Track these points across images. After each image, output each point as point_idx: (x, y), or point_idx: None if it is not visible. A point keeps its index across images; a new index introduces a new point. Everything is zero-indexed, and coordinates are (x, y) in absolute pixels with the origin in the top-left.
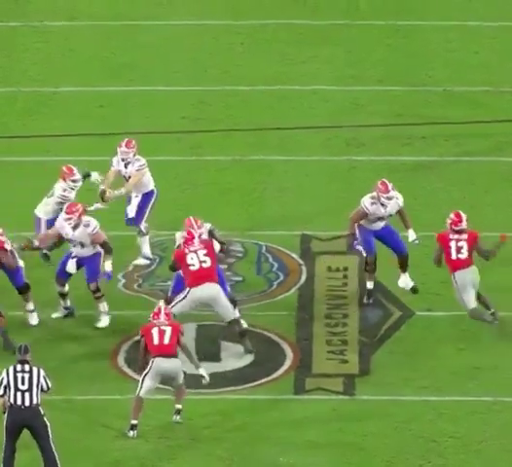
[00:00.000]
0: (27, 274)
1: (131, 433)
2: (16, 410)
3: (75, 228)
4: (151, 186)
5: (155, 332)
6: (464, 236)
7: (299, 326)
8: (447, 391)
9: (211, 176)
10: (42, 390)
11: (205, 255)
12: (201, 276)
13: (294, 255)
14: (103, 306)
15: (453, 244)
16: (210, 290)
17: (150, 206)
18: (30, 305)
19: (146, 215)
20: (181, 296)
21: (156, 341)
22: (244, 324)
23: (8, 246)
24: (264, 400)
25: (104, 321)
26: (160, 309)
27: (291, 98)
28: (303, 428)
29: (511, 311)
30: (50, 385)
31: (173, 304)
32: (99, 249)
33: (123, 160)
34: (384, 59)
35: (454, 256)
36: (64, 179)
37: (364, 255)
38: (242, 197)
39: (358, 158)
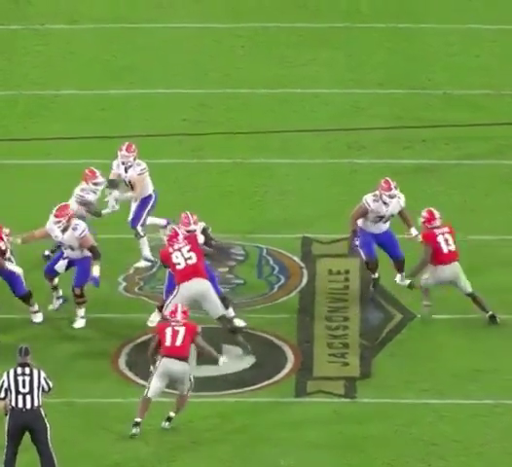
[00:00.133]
0: (26, 276)
1: (134, 430)
2: (17, 412)
3: (64, 231)
4: (149, 190)
5: (168, 332)
6: (446, 229)
7: (300, 329)
8: (448, 394)
9: (212, 179)
10: (43, 391)
11: (189, 251)
12: (189, 273)
13: (295, 258)
14: (81, 312)
15: (441, 239)
16: (199, 285)
17: (147, 210)
18: (34, 308)
19: (143, 218)
20: (172, 295)
21: (168, 341)
22: (241, 322)
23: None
24: (265, 402)
25: (80, 323)
26: (176, 308)
27: (292, 101)
28: (304, 431)
29: (510, 314)
30: (51, 386)
31: (165, 306)
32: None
33: (123, 163)
34: (385, 62)
35: (445, 250)
36: (86, 181)
37: (364, 259)
38: (243, 200)
39: (359, 161)
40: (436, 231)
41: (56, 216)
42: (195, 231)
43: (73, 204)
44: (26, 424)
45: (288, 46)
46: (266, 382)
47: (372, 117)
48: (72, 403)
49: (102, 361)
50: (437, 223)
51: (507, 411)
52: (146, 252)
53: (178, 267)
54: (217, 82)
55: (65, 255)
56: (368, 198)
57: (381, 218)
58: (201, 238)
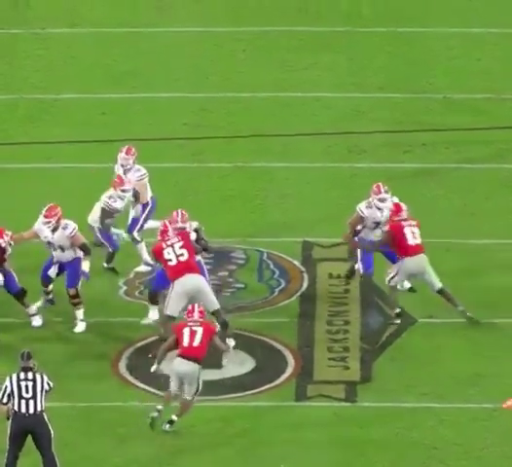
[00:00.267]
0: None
1: (155, 414)
2: (20, 417)
3: (54, 231)
4: (147, 197)
5: (186, 332)
6: (413, 222)
7: (300, 333)
8: (448, 398)
9: (213, 183)
10: (45, 391)
11: (181, 247)
12: (181, 270)
13: (295, 262)
14: (80, 314)
15: (407, 230)
16: (193, 280)
17: (144, 216)
18: (32, 309)
19: (139, 225)
20: (167, 294)
21: (186, 342)
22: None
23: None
24: (266, 406)
25: (81, 326)
26: (193, 307)
27: (293, 105)
28: (304, 435)
29: (510, 317)
30: (51, 385)
31: (165, 306)
32: (80, 254)
33: (122, 166)
34: (386, 66)
35: (411, 241)
36: (114, 188)
37: (361, 272)
38: (244, 204)
39: (359, 165)
40: (403, 223)
41: (46, 216)
42: (183, 229)
43: (97, 210)
44: (29, 429)
45: (289, 50)
46: (266, 386)
47: (372, 121)
48: (73, 406)
49: (103, 365)
50: (404, 215)
51: (506, 415)
52: (145, 256)
53: (170, 263)
54: (218, 86)
55: (55, 259)
56: (361, 206)
57: (377, 224)
58: (193, 235)
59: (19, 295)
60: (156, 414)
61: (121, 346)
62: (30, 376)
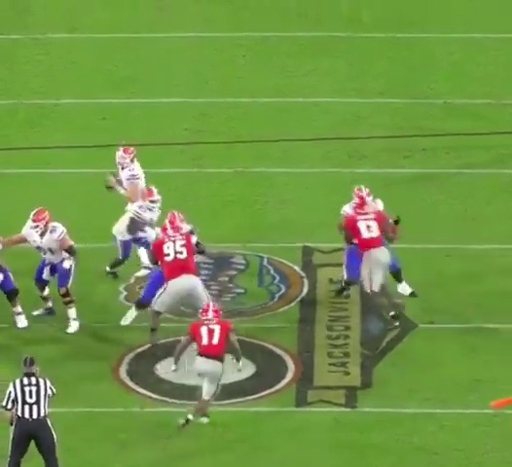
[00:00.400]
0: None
1: (203, 420)
2: (23, 422)
3: (42, 235)
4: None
5: (204, 331)
6: (372, 216)
7: (300, 338)
8: (449, 403)
9: (213, 188)
10: (48, 397)
11: (182, 246)
12: (177, 268)
13: (296, 267)
14: (72, 313)
15: (361, 224)
16: (188, 281)
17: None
18: (18, 309)
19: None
20: (160, 291)
21: (205, 340)
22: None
23: None
24: (266, 412)
25: (74, 326)
26: (208, 306)
27: (292, 110)
28: (305, 440)
29: (510, 323)
30: (54, 391)
31: (154, 300)
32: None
33: (119, 164)
34: (386, 72)
35: (365, 235)
36: (143, 199)
37: (345, 277)
38: (244, 210)
39: (360, 170)
40: (358, 216)
41: (34, 220)
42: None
43: (124, 221)
44: (32, 433)
45: (289, 55)
46: (266, 392)
47: (372, 126)
48: (73, 412)
49: (103, 370)
50: (366, 209)
51: (507, 420)
52: (145, 260)
53: (167, 258)
54: (218, 91)
55: (47, 261)
56: (346, 208)
57: None
58: (194, 239)
59: (12, 294)
60: (206, 420)
61: (121, 352)
62: (34, 381)
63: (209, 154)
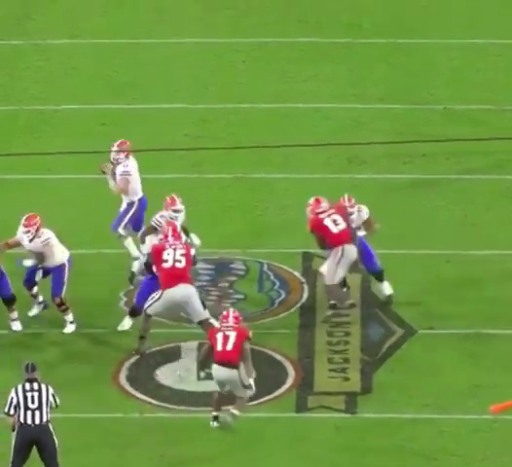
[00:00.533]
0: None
1: (213, 424)
2: (26, 428)
3: (32, 240)
4: (135, 197)
5: (219, 337)
6: (332, 210)
7: (301, 344)
8: (448, 409)
9: (213, 194)
10: (50, 407)
11: (182, 255)
12: (174, 276)
13: (296, 273)
14: (69, 317)
15: (327, 221)
16: (185, 291)
17: (129, 215)
18: (15, 314)
19: (124, 223)
20: (155, 297)
21: (219, 346)
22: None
23: None
24: (266, 418)
25: (70, 328)
26: (228, 313)
27: (292, 116)
28: (304, 446)
29: (510, 329)
30: (58, 403)
31: (148, 305)
32: (64, 261)
33: (113, 159)
34: (386, 77)
35: (334, 230)
36: (166, 208)
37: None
38: (244, 215)
39: (360, 176)
40: (321, 215)
41: (25, 226)
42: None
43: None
44: (35, 439)
45: (289, 61)
46: (267, 398)
47: (373, 132)
48: (72, 418)
49: (103, 376)
50: (324, 206)
51: (506, 426)
52: (133, 252)
53: (165, 265)
54: (218, 97)
55: (40, 265)
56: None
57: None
58: (193, 251)
59: (10, 300)
60: (213, 423)
61: (121, 357)
62: (36, 386)
63: (209, 159)
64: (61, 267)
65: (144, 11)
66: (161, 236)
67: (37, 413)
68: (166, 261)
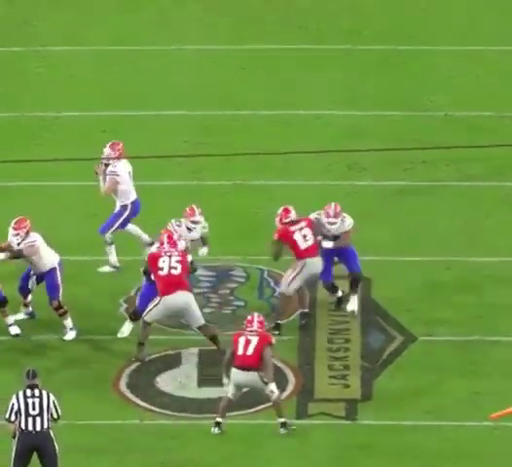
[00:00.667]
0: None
1: (214, 430)
2: (27, 434)
3: (20, 243)
4: (126, 200)
5: (241, 341)
6: (303, 224)
7: (301, 351)
8: (448, 416)
9: (212, 201)
10: (52, 417)
11: (178, 262)
12: (172, 283)
13: None
14: (68, 323)
15: (297, 236)
16: (183, 298)
17: (120, 220)
18: (10, 319)
19: (114, 227)
20: (153, 303)
21: (240, 350)
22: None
23: None
24: (266, 425)
25: (71, 334)
26: (253, 318)
27: (292, 123)
28: (305, 452)
29: (511, 336)
30: (60, 414)
31: (146, 312)
32: (55, 265)
33: (104, 160)
34: (386, 84)
35: (302, 246)
36: (186, 218)
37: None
38: (244, 222)
39: (360, 182)
40: (292, 227)
41: (15, 229)
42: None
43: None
44: (36, 446)
45: (289, 67)
46: (266, 404)
47: (373, 138)
48: (72, 425)
49: (103, 383)
50: (292, 216)
51: (507, 433)
52: (112, 259)
53: (160, 272)
54: (218, 103)
55: (32, 272)
56: (311, 216)
57: (326, 236)
58: (189, 258)
59: (2, 303)
60: (214, 429)
61: (121, 364)
62: (37, 393)
63: (209, 166)
64: (52, 271)
65: (144, 18)
66: (157, 244)
67: (38, 419)
68: (162, 269)
